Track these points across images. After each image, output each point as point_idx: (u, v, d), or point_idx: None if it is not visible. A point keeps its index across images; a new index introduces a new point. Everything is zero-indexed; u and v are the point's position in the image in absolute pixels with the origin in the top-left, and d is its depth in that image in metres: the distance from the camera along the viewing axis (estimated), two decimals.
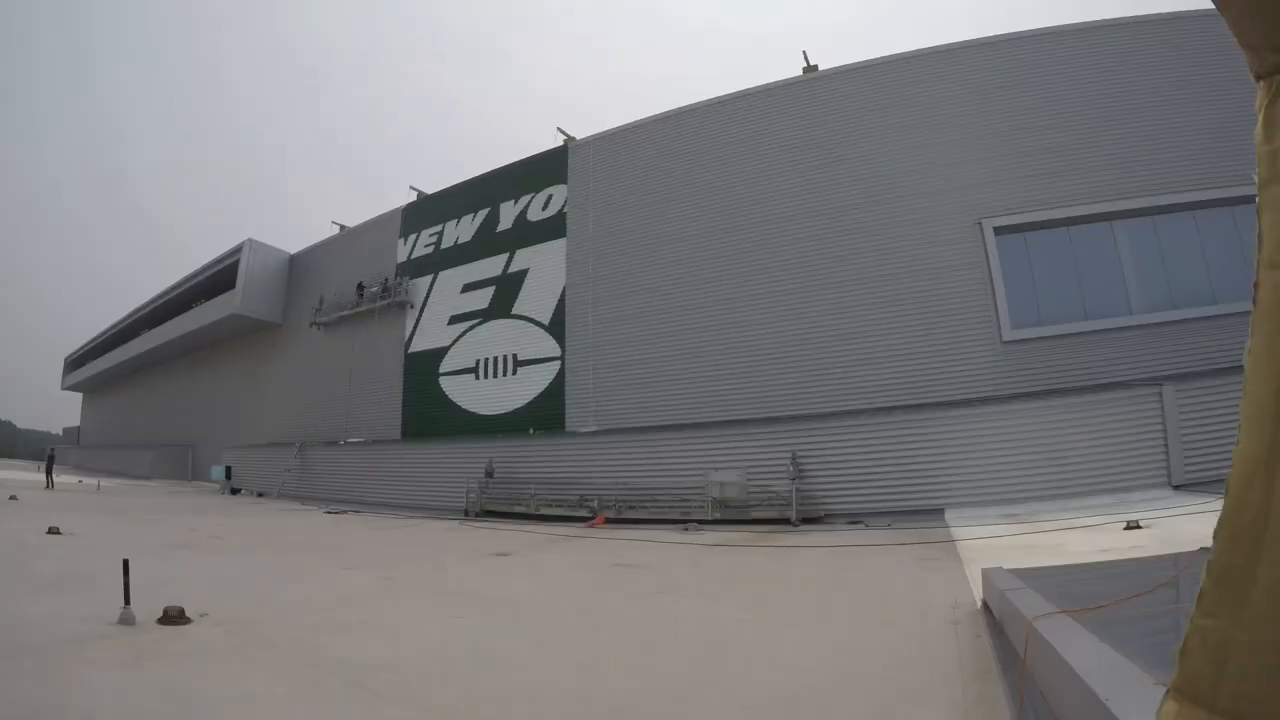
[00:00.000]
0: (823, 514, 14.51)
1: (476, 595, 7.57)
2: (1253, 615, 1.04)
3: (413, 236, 27.22)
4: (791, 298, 17.85)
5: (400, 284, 26.40)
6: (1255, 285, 1.14)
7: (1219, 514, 1.13)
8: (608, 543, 12.70)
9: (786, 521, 14.20)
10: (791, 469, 14.85)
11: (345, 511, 20.10)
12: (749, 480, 15.43)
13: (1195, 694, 1.07)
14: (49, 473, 24.76)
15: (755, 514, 14.93)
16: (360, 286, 27.72)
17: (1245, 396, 1.13)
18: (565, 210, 22.59)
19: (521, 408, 21.85)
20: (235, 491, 28.33)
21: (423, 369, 25.05)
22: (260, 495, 26.88)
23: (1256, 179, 1.15)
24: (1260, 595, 1.04)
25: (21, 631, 5.17)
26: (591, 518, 16.35)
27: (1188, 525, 8.60)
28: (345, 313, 28.21)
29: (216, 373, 37.52)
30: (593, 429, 19.64)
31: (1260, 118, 1.13)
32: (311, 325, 29.70)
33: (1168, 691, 1.12)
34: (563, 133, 23.97)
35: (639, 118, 22.08)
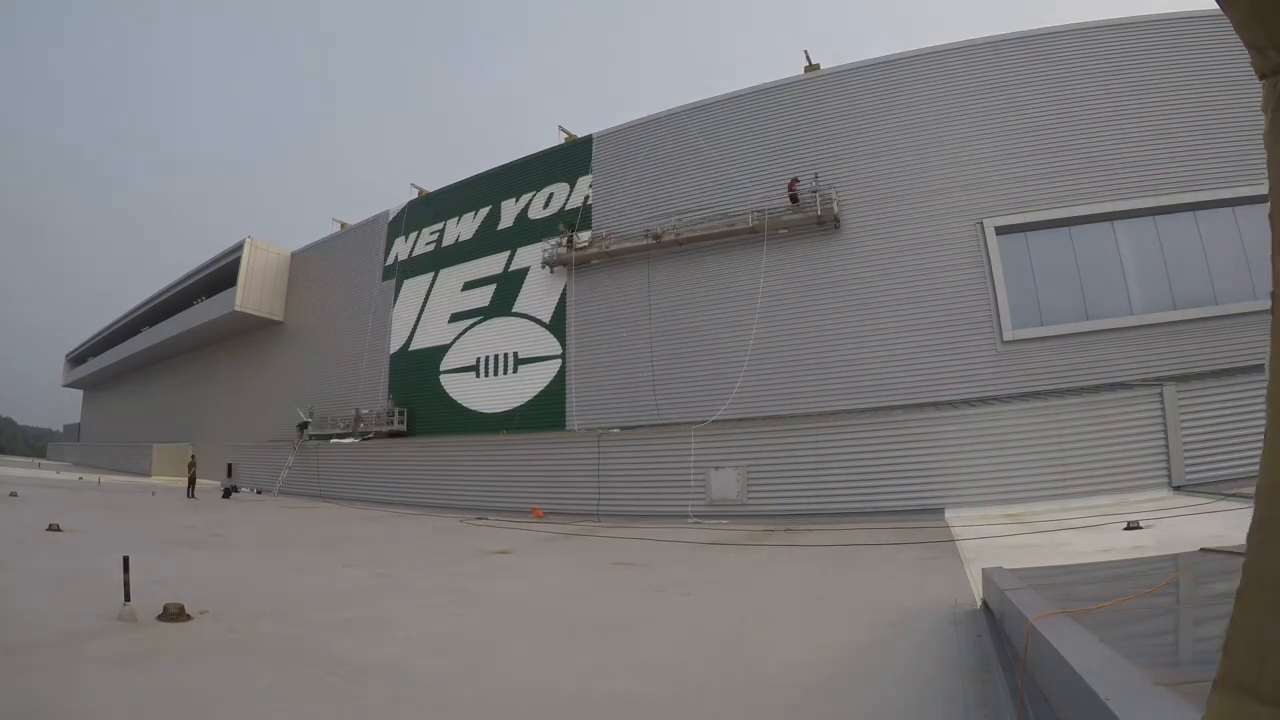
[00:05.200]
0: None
1: (478, 593, 7.57)
2: None
3: (414, 234, 27.22)
4: (791, 297, 17.84)
5: (394, 413, 25.14)
6: (1273, 295, 1.16)
7: (1251, 517, 1.20)
8: (608, 541, 12.72)
9: None
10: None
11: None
12: (749, 478, 15.45)
13: (1240, 684, 1.15)
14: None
15: None
16: (356, 416, 26.10)
17: (1270, 402, 1.17)
18: (567, 208, 22.57)
19: (522, 406, 21.85)
20: (229, 494, 24.73)
21: (422, 367, 25.04)
22: (259, 492, 26.87)
23: (1269, 181, 1.15)
24: None
25: (22, 628, 5.17)
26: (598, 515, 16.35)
27: (1188, 526, 8.61)
28: (335, 431, 26.49)
29: (217, 370, 37.52)
30: (592, 427, 19.63)
31: (1267, 118, 1.13)
32: (305, 438, 27.51)
33: (1215, 684, 1.22)
34: (564, 131, 23.97)
35: (641, 116, 22.07)
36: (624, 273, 20.60)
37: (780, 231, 17.98)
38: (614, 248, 20.39)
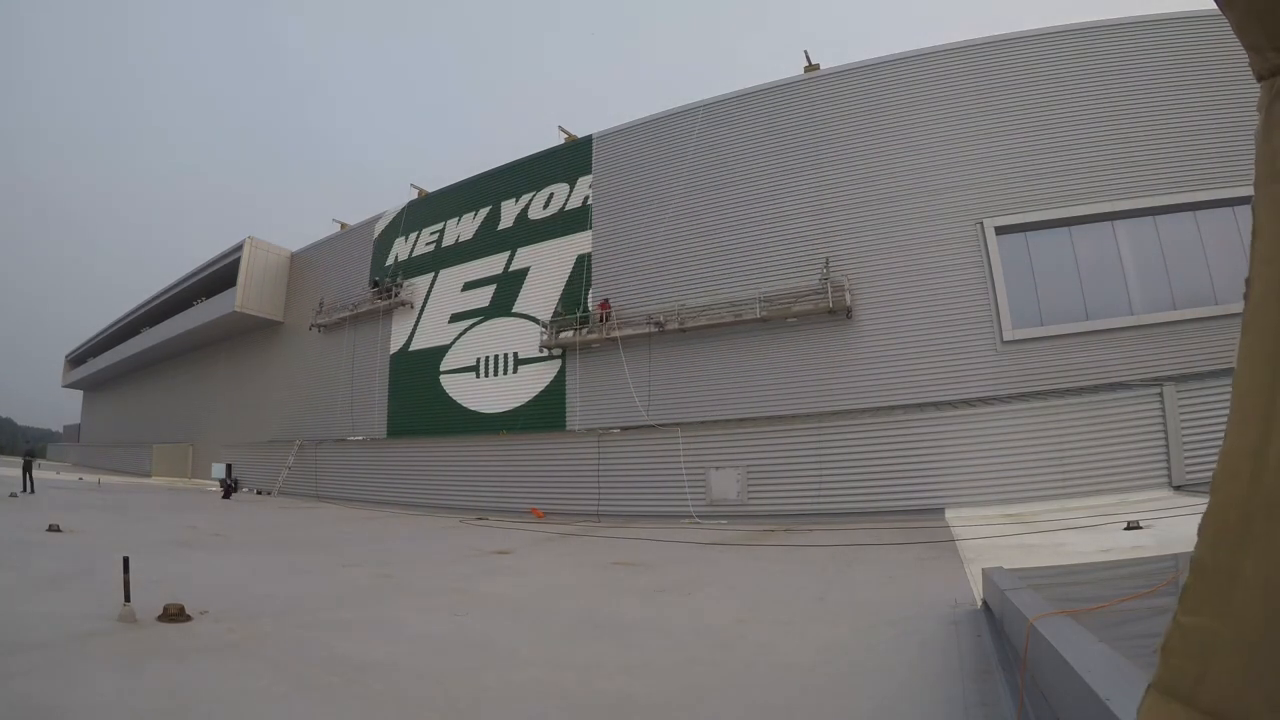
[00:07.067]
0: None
1: (477, 593, 7.57)
2: (1236, 612, 1.04)
3: (414, 234, 27.24)
4: (791, 298, 17.83)
5: (398, 284, 26.31)
6: (1248, 281, 1.14)
7: (1205, 510, 1.13)
8: (608, 541, 12.72)
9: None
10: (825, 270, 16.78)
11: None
12: (749, 478, 15.46)
13: (1176, 690, 1.08)
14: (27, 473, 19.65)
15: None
16: (372, 282, 27.85)
17: (1234, 392, 1.13)
18: (566, 208, 22.60)
19: (522, 406, 21.85)
20: (229, 493, 24.88)
21: (422, 367, 25.06)
22: (260, 493, 26.90)
23: (1255, 173, 1.15)
24: (1243, 592, 1.04)
25: (22, 629, 5.17)
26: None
27: (1188, 526, 8.55)
28: (345, 314, 28.03)
29: (217, 370, 37.56)
30: (592, 427, 19.63)
31: (1261, 117, 1.13)
32: (311, 328, 29.59)
33: (1149, 688, 1.13)
34: (564, 131, 23.97)
35: (641, 116, 22.08)
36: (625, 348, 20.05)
37: (790, 320, 17.30)
38: (614, 334, 19.73)
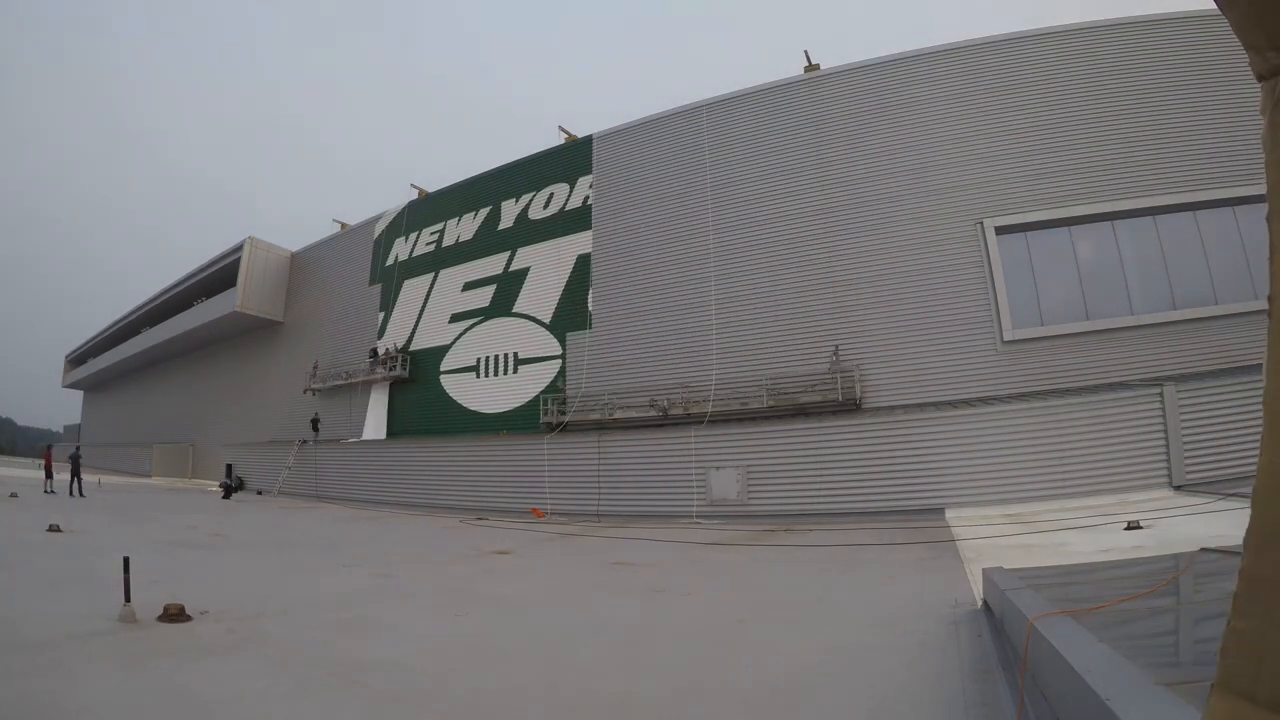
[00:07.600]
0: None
1: (477, 593, 7.57)
2: None
3: (414, 234, 27.24)
4: (792, 297, 17.85)
5: (397, 359, 25.63)
6: (1270, 299, 1.16)
7: (1248, 522, 1.20)
8: (608, 541, 12.72)
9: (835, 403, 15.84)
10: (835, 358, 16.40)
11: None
12: (749, 478, 15.46)
13: (1237, 688, 1.17)
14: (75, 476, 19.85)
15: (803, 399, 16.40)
16: (371, 353, 26.85)
17: (1266, 410, 1.18)
18: (567, 208, 22.60)
19: (522, 406, 21.85)
20: (229, 493, 25.13)
21: (422, 367, 25.05)
22: (260, 493, 26.88)
23: (1267, 183, 1.16)
24: None
25: (23, 628, 5.18)
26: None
27: (1188, 526, 8.61)
28: (340, 383, 27.40)
29: (217, 370, 37.57)
30: (594, 426, 19.62)
31: (1266, 120, 1.14)
32: (306, 391, 28.74)
33: (1212, 688, 1.23)
34: (565, 131, 23.98)
35: (641, 117, 22.08)
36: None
37: (800, 401, 16.58)
38: (619, 415, 19.18)
